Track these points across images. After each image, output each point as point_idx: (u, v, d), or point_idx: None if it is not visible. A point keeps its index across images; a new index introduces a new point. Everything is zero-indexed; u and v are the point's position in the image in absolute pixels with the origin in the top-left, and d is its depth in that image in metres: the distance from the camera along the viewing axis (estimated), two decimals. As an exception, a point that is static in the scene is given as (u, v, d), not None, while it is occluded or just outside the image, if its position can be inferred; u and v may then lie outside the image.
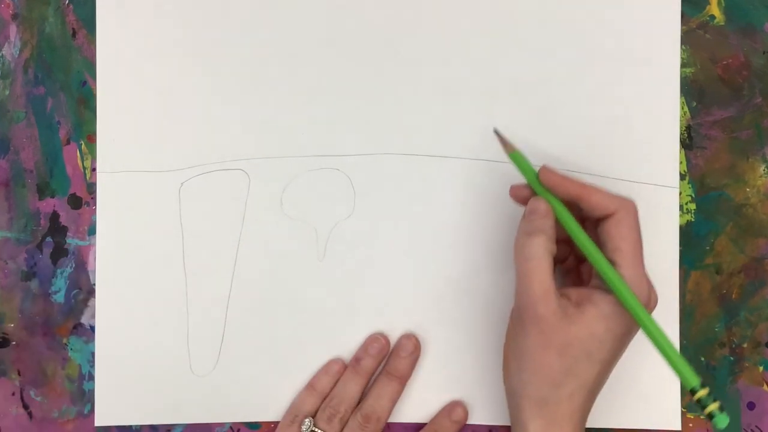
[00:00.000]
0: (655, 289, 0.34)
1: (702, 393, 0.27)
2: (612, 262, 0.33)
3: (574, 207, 0.34)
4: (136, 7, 0.42)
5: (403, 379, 0.40)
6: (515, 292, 0.34)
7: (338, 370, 0.40)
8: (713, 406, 0.26)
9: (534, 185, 0.35)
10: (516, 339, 0.34)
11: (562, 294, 0.34)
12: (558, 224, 0.34)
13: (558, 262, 0.37)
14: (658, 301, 0.41)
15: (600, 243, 0.34)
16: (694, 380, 0.27)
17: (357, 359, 0.40)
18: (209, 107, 0.42)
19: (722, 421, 0.26)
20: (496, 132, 0.36)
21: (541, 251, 0.33)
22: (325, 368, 0.41)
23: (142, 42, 0.42)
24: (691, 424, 0.41)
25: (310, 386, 0.40)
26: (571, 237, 0.34)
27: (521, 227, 0.35)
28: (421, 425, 0.41)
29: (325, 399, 0.40)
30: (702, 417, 0.26)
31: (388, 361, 0.40)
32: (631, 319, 0.32)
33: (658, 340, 0.30)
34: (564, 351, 0.33)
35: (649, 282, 0.34)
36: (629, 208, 0.34)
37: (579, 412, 0.33)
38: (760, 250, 0.41)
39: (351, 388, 0.39)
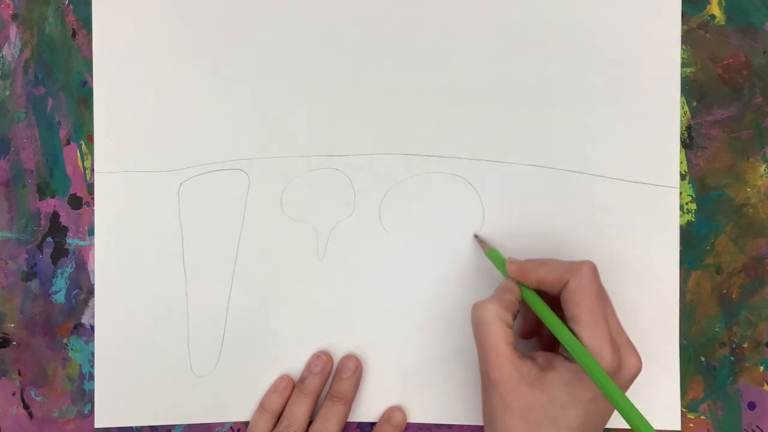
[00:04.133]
0: (632, 353, 0.34)
1: None
2: (573, 332, 0.33)
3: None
4: (133, 6, 0.42)
5: (347, 400, 0.40)
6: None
7: (286, 386, 0.41)
8: None
9: (506, 275, 0.37)
10: (485, 403, 0.35)
11: (529, 357, 0.34)
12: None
13: (531, 334, 0.38)
14: (659, 301, 0.41)
15: (562, 315, 0.34)
16: None
17: (302, 380, 0.41)
18: (209, 107, 0.42)
19: None
20: (476, 236, 0.41)
21: (491, 317, 0.34)
22: (274, 386, 0.41)
23: (140, 41, 0.42)
24: (691, 424, 0.41)
25: (261, 407, 0.41)
26: (536, 313, 0.35)
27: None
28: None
29: (278, 419, 0.40)
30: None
31: (332, 383, 0.41)
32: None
33: (618, 402, 0.30)
34: (526, 415, 0.33)
35: (617, 345, 0.33)
36: (582, 274, 0.33)
37: None
38: (760, 250, 0.41)
39: (299, 409, 0.40)
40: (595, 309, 0.33)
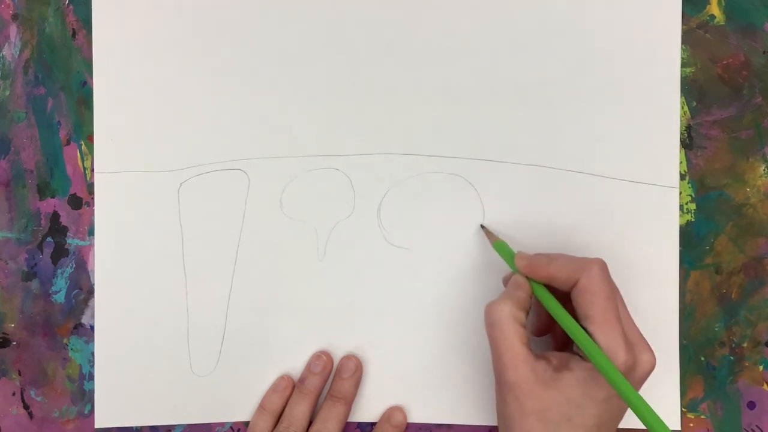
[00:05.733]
0: (646, 349, 0.33)
1: None
2: (586, 331, 0.33)
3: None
4: (133, 6, 0.42)
5: (347, 401, 0.40)
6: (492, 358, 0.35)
7: (286, 386, 0.41)
8: None
9: (514, 269, 0.37)
10: (499, 404, 0.35)
11: (543, 357, 0.34)
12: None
13: (545, 331, 0.38)
14: (659, 301, 0.41)
15: (574, 311, 0.34)
16: None
17: (302, 380, 0.41)
18: (208, 107, 0.42)
19: None
20: (482, 227, 0.40)
21: (505, 317, 0.33)
22: (274, 386, 0.41)
23: (140, 41, 0.42)
24: (691, 424, 0.41)
25: (261, 407, 0.41)
26: (548, 311, 0.34)
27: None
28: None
29: (278, 419, 0.40)
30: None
31: (332, 384, 0.41)
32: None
33: (633, 402, 0.29)
34: (542, 416, 0.32)
35: (630, 343, 0.33)
36: (593, 273, 0.33)
37: None
38: (760, 250, 0.41)
39: (299, 409, 0.40)
40: (608, 308, 0.32)
